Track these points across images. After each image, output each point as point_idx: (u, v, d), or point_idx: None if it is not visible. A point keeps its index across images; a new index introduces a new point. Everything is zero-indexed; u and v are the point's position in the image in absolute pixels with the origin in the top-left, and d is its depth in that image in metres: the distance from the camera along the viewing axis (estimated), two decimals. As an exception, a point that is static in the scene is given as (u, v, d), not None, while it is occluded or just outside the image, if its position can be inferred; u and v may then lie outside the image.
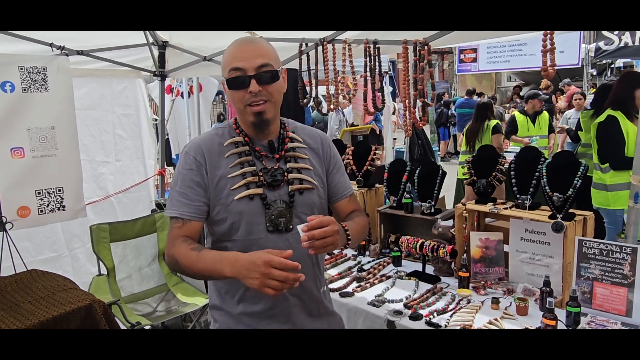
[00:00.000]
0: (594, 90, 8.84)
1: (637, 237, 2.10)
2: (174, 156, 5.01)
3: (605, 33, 8.22)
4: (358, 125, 7.06)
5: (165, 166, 3.85)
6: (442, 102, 12.05)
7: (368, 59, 2.31)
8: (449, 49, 14.69)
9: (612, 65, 11.44)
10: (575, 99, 7.11)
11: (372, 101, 2.43)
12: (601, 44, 9.43)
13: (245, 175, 1.49)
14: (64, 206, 3.15)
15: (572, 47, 10.30)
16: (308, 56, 2.59)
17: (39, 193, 3.03)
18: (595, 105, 4.42)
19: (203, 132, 5.16)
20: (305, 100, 2.87)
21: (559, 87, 10.24)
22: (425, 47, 2.09)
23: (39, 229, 3.22)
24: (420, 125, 2.25)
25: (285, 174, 1.52)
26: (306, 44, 2.59)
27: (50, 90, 2.99)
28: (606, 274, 1.97)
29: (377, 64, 2.28)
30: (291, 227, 1.49)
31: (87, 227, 3.48)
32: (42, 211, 3.05)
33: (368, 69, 2.32)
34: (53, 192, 3.08)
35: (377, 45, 2.27)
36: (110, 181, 3.51)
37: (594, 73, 10.45)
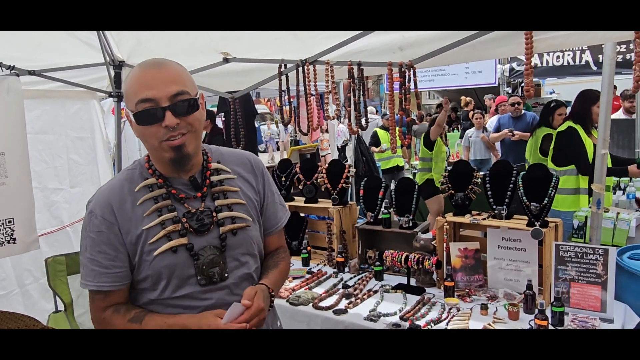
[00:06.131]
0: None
1: (600, 240, 2.33)
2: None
3: (518, 55, 9.00)
4: (305, 143, 7.16)
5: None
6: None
7: (352, 80, 2.38)
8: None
9: (522, 84, 12.48)
10: (476, 118, 7.17)
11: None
12: (514, 64, 10.38)
13: (164, 224, 1.27)
14: (14, 239, 2.88)
15: (489, 68, 11.21)
16: (287, 77, 2.62)
17: (-14, 226, 2.75)
18: None
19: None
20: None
21: (483, 101, 11.01)
22: (411, 69, 2.21)
23: (-18, 265, 2.92)
24: (406, 143, 2.35)
25: (214, 214, 1.32)
26: (285, 65, 2.62)
27: (0, 113, 2.75)
28: (582, 274, 2.17)
29: (362, 85, 2.36)
30: (226, 275, 1.32)
31: (40, 260, 3.17)
32: (-11, 246, 2.76)
33: (351, 91, 2.39)
34: (2, 223, 2.81)
35: (360, 67, 2.35)
36: (65, 209, 3.25)
37: (509, 91, 11.38)
